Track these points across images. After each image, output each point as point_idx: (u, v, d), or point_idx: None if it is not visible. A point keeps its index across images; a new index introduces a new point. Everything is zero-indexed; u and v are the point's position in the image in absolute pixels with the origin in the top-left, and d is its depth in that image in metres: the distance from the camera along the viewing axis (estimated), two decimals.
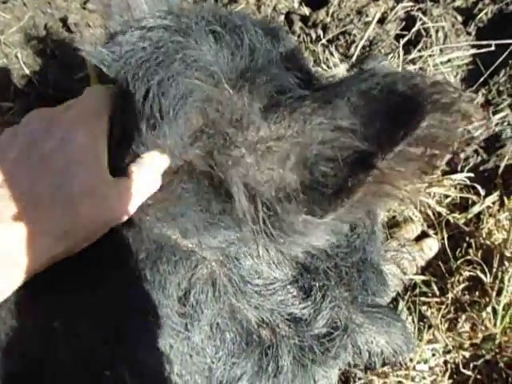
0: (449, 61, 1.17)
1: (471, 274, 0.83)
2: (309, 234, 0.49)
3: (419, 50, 1.16)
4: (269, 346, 0.56)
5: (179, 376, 0.51)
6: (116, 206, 0.46)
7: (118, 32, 0.59)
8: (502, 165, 0.95)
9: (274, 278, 0.57)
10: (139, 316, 0.48)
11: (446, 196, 0.95)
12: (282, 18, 1.41)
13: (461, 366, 0.81)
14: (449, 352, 0.82)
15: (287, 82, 0.51)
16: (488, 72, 1.13)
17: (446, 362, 0.83)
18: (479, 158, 1.00)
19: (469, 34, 1.24)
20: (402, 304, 0.84)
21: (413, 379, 0.81)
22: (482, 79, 1.14)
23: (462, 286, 0.83)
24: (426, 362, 0.82)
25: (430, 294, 0.85)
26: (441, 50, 1.18)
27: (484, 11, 1.23)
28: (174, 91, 0.48)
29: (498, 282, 0.80)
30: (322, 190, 0.43)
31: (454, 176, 0.94)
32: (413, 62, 1.15)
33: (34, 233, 0.41)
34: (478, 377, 0.80)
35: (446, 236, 0.88)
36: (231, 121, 0.48)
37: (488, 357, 0.79)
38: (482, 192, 0.92)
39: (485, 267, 0.82)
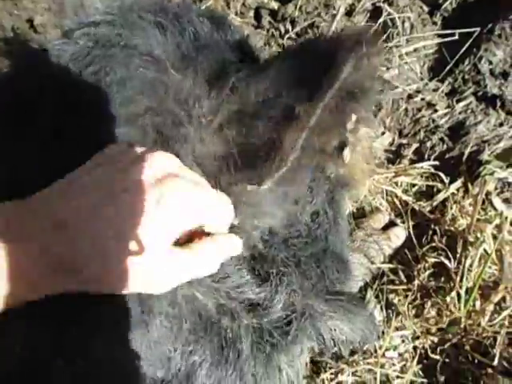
0: (415, 51, 1.18)
1: (436, 260, 0.84)
2: (257, 205, 0.49)
3: (386, 41, 1.17)
4: (228, 333, 0.57)
5: (139, 367, 0.51)
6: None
7: (72, 29, 0.61)
8: (466, 152, 0.96)
9: (229, 261, 0.57)
10: (96, 308, 0.48)
11: (413, 185, 0.97)
12: (252, 13, 1.40)
13: (429, 350, 0.82)
14: (417, 338, 0.84)
15: (229, 58, 0.53)
16: (453, 61, 1.14)
17: (415, 348, 0.85)
18: (445, 146, 1.01)
19: (435, 23, 1.25)
20: (370, 293, 0.85)
21: (382, 366, 0.82)
22: (447, 68, 1.15)
23: (428, 272, 0.85)
24: (395, 348, 0.84)
25: (397, 282, 0.86)
26: (407, 41, 1.19)
27: (449, 1, 1.24)
28: (113, 78, 0.50)
29: (461, 267, 0.81)
30: (257, 155, 0.44)
31: (419, 164, 0.96)
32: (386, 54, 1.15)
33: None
34: (446, 360, 0.82)
35: (411, 224, 0.90)
36: (178, 100, 0.49)
37: (454, 340, 0.81)
38: (447, 179, 0.93)
39: (449, 253, 0.83)
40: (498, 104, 1.05)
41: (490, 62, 1.12)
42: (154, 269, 0.42)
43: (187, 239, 0.46)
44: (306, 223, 0.71)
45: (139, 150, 0.44)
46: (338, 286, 0.75)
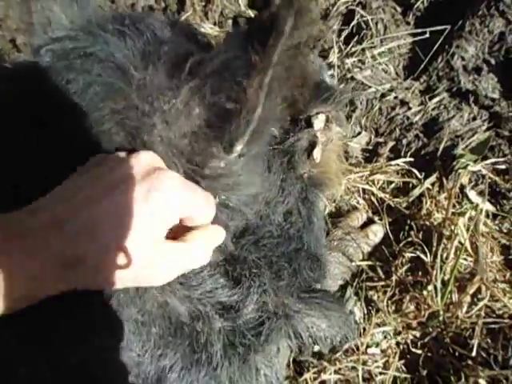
0: (389, 51, 1.20)
1: (413, 255, 0.85)
2: (230, 175, 0.50)
3: (360, 43, 1.19)
4: (200, 336, 0.58)
5: (108, 373, 0.52)
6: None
7: (40, 45, 0.63)
8: (441, 147, 0.98)
9: (202, 267, 0.58)
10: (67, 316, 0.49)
11: (390, 182, 0.98)
12: (230, 22, 1.43)
13: (411, 345, 0.83)
14: (399, 333, 0.84)
15: (188, 48, 0.55)
16: (427, 59, 1.16)
17: (398, 344, 0.85)
18: (420, 143, 1.02)
19: (408, 23, 1.27)
20: (349, 290, 0.86)
21: (365, 363, 0.82)
22: (421, 66, 1.17)
23: (405, 267, 0.85)
24: (377, 345, 0.84)
25: (375, 279, 0.87)
26: (381, 41, 1.21)
27: (420, 0, 1.26)
28: (76, 87, 0.53)
29: (437, 260, 0.82)
30: (222, 122, 0.45)
31: (394, 162, 0.97)
32: (354, 54, 1.17)
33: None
34: (428, 354, 0.82)
35: (387, 221, 0.91)
36: (141, 96, 0.51)
37: (434, 334, 0.81)
38: (422, 175, 0.94)
39: (425, 247, 0.84)
40: (471, 99, 1.07)
41: (463, 58, 1.14)
42: (150, 261, 0.44)
43: (174, 234, 0.47)
44: (279, 223, 0.72)
45: (124, 153, 0.47)
46: (314, 284, 0.76)
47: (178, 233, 0.48)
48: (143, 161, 0.45)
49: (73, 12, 0.69)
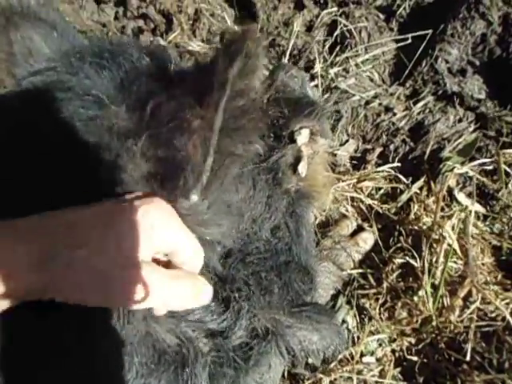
0: (374, 58, 1.21)
1: (403, 260, 0.85)
2: (196, 215, 0.51)
3: (344, 52, 1.21)
4: (185, 362, 0.58)
5: None
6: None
7: (24, 77, 0.65)
8: (427, 151, 0.98)
9: None
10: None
11: (379, 188, 0.98)
12: (218, 38, 1.45)
13: (406, 352, 0.82)
14: (394, 341, 0.84)
15: (152, 85, 0.56)
16: (411, 64, 1.17)
17: (393, 351, 0.85)
18: (407, 147, 1.03)
19: (391, 30, 1.28)
20: (341, 300, 0.85)
21: (360, 372, 0.82)
22: (406, 72, 1.18)
23: (396, 273, 0.85)
24: (372, 353, 0.84)
25: (367, 286, 0.86)
26: (365, 49, 1.22)
27: (402, 6, 1.27)
28: (59, 119, 0.54)
29: (427, 265, 0.82)
30: (177, 169, 0.47)
31: (380, 168, 0.97)
32: (338, 63, 1.19)
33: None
34: (425, 360, 0.82)
35: (377, 227, 0.91)
36: (115, 133, 0.53)
37: (429, 340, 0.81)
38: (409, 180, 0.95)
39: (414, 253, 0.84)
40: (456, 101, 1.07)
41: (447, 61, 1.15)
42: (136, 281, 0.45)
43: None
44: (267, 238, 0.73)
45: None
46: (305, 296, 0.76)
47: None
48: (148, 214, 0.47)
49: (53, 40, 0.71)
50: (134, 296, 0.46)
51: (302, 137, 0.78)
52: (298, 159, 0.78)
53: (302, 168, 0.78)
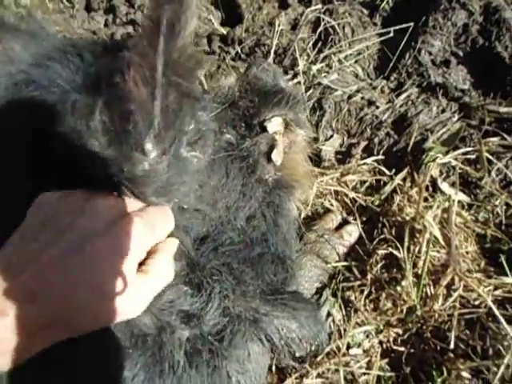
0: (358, 53, 1.22)
1: (386, 252, 0.85)
2: (157, 176, 0.50)
3: (327, 48, 1.21)
4: (163, 347, 0.59)
5: None
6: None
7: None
8: (411, 142, 0.98)
9: None
10: None
11: (364, 181, 0.98)
12: (205, 41, 1.47)
13: (392, 343, 0.82)
14: (381, 332, 0.84)
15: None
16: (395, 57, 1.18)
17: (380, 343, 0.84)
18: (391, 140, 1.03)
19: (375, 24, 1.29)
20: (326, 293, 0.86)
21: (347, 364, 0.82)
22: (391, 65, 1.18)
23: (380, 265, 0.85)
24: (359, 345, 0.84)
25: (352, 279, 0.87)
26: (349, 45, 1.23)
27: (385, 1, 1.28)
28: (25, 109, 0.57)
29: (410, 255, 0.82)
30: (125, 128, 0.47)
31: (363, 161, 0.98)
32: (321, 60, 1.19)
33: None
34: (411, 351, 0.81)
35: (359, 220, 0.91)
36: (78, 116, 0.53)
37: (414, 329, 0.80)
38: (392, 172, 0.95)
39: (397, 243, 0.84)
40: (440, 92, 1.07)
41: (430, 53, 1.15)
42: (129, 298, 0.46)
43: None
44: (241, 227, 0.73)
45: (77, 198, 0.48)
46: (282, 286, 0.77)
47: None
48: (102, 210, 0.47)
49: (32, 48, 0.74)
50: (137, 306, 0.48)
51: (273, 125, 0.78)
52: (271, 148, 0.79)
53: (276, 156, 0.79)
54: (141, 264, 0.49)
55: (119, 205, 0.48)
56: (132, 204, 0.50)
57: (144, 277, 0.48)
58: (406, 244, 0.83)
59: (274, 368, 0.82)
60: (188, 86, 0.48)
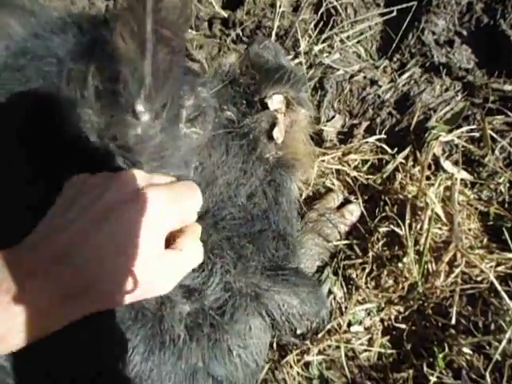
0: (361, 33, 1.20)
1: (388, 229, 0.85)
2: (150, 140, 0.50)
3: (329, 29, 1.20)
4: (164, 320, 0.59)
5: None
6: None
7: None
8: (413, 121, 0.97)
9: None
10: None
11: (365, 161, 0.98)
12: (206, 24, 1.46)
13: (393, 321, 0.82)
14: (382, 310, 0.84)
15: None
16: (398, 37, 1.16)
17: (382, 320, 0.84)
18: (394, 120, 1.02)
19: (378, 5, 1.27)
20: (327, 270, 0.85)
21: (348, 341, 0.82)
22: (394, 45, 1.17)
23: (381, 242, 0.85)
24: (360, 323, 0.84)
25: (353, 257, 0.86)
26: (351, 25, 1.21)
27: None
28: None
29: (412, 232, 0.81)
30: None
31: (364, 140, 0.97)
32: (323, 40, 1.18)
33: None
34: (413, 328, 0.81)
35: (361, 199, 0.91)
36: (72, 85, 0.53)
37: (416, 306, 0.80)
38: (394, 151, 0.94)
39: (399, 221, 0.83)
40: (443, 71, 1.06)
41: (433, 33, 1.13)
42: (154, 274, 0.46)
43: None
44: (242, 204, 0.73)
45: (103, 176, 0.48)
46: (284, 263, 0.77)
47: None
48: (128, 182, 0.47)
49: (30, 24, 0.73)
50: (167, 283, 0.48)
51: (274, 102, 0.78)
52: (272, 126, 0.79)
53: (277, 134, 0.78)
54: (170, 243, 0.49)
55: (145, 178, 0.49)
56: (159, 178, 0.51)
57: (175, 254, 0.48)
58: (407, 221, 0.82)
59: (274, 345, 0.83)
60: (178, 43, 0.47)
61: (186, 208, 0.50)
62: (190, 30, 1.46)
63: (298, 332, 0.81)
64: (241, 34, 1.34)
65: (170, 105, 0.49)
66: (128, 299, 0.45)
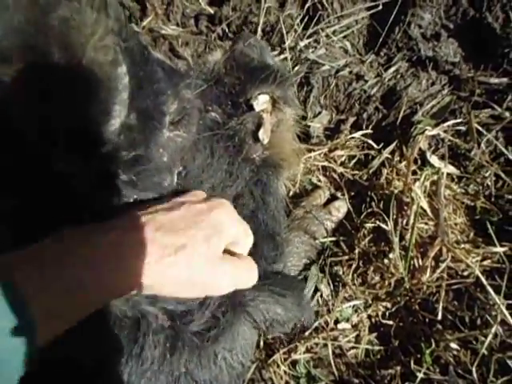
0: (347, 28, 1.19)
1: (374, 225, 0.84)
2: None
3: (315, 24, 1.19)
4: (138, 327, 0.58)
5: None
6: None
7: None
8: (400, 116, 0.96)
9: None
10: None
11: (351, 157, 0.97)
12: (192, 21, 1.44)
13: (380, 317, 0.82)
14: (369, 306, 0.83)
15: None
16: (384, 32, 1.15)
17: (369, 317, 0.84)
18: (380, 114, 1.01)
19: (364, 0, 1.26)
20: (314, 268, 0.85)
21: (336, 339, 0.81)
22: (380, 40, 1.16)
23: (368, 238, 0.84)
24: (347, 320, 0.83)
25: (339, 253, 0.86)
26: (338, 19, 1.20)
27: None
28: None
29: (398, 228, 0.81)
30: None
31: (350, 136, 0.96)
32: (309, 36, 1.17)
33: None
34: (400, 324, 0.81)
35: (348, 195, 0.90)
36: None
37: (403, 302, 0.80)
38: (380, 146, 0.93)
39: (385, 216, 0.82)
40: (429, 65, 1.05)
41: (420, 26, 1.12)
42: (217, 274, 0.55)
43: None
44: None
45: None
46: (273, 264, 0.76)
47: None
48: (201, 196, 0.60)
49: None
50: (221, 285, 0.56)
51: (260, 103, 0.77)
52: (258, 126, 0.77)
53: (263, 135, 0.77)
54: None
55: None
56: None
57: (233, 258, 0.56)
58: (393, 217, 0.81)
59: (261, 343, 0.82)
60: None
61: (242, 230, 0.61)
62: (175, 27, 1.45)
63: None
64: (227, 30, 1.33)
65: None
66: (197, 294, 0.56)
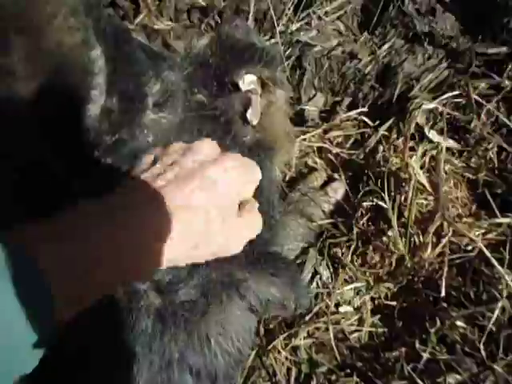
0: (340, 8, 1.17)
1: (372, 204, 0.81)
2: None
3: (307, 7, 1.17)
4: (130, 312, 0.57)
5: None
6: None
7: None
8: (396, 92, 0.94)
9: None
10: None
11: (347, 137, 0.94)
12: (185, 15, 1.44)
13: (382, 298, 0.79)
14: (372, 288, 0.80)
15: None
16: (378, 10, 1.12)
17: (372, 299, 0.81)
18: (376, 93, 0.99)
19: None
20: (312, 251, 0.82)
21: (337, 322, 0.79)
22: (375, 19, 1.13)
23: (366, 217, 0.81)
24: (349, 302, 0.81)
25: (338, 235, 0.83)
26: (330, 1, 1.18)
27: None
28: None
29: (396, 204, 0.78)
30: None
31: (345, 115, 0.94)
32: (301, 18, 1.15)
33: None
34: (404, 305, 0.78)
35: (345, 176, 0.88)
36: None
37: (405, 282, 0.77)
38: (375, 123, 0.91)
39: (383, 194, 0.80)
40: (425, 40, 1.02)
41: (414, 2, 1.09)
42: (231, 234, 0.51)
43: None
44: None
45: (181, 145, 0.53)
46: (266, 246, 0.74)
47: None
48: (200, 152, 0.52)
49: None
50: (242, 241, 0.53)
51: (245, 83, 0.75)
52: (246, 107, 0.76)
53: (251, 116, 0.75)
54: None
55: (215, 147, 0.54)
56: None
57: (242, 221, 0.52)
58: (391, 193, 0.79)
59: (262, 330, 0.80)
60: None
61: (254, 178, 0.54)
62: (169, 22, 1.44)
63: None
64: (219, 20, 1.32)
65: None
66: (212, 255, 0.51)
